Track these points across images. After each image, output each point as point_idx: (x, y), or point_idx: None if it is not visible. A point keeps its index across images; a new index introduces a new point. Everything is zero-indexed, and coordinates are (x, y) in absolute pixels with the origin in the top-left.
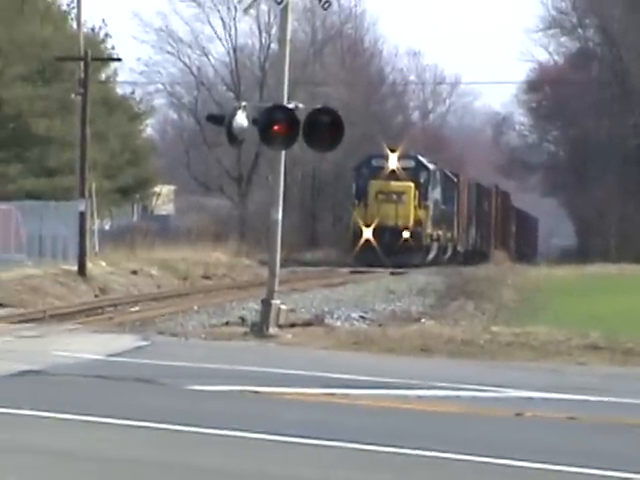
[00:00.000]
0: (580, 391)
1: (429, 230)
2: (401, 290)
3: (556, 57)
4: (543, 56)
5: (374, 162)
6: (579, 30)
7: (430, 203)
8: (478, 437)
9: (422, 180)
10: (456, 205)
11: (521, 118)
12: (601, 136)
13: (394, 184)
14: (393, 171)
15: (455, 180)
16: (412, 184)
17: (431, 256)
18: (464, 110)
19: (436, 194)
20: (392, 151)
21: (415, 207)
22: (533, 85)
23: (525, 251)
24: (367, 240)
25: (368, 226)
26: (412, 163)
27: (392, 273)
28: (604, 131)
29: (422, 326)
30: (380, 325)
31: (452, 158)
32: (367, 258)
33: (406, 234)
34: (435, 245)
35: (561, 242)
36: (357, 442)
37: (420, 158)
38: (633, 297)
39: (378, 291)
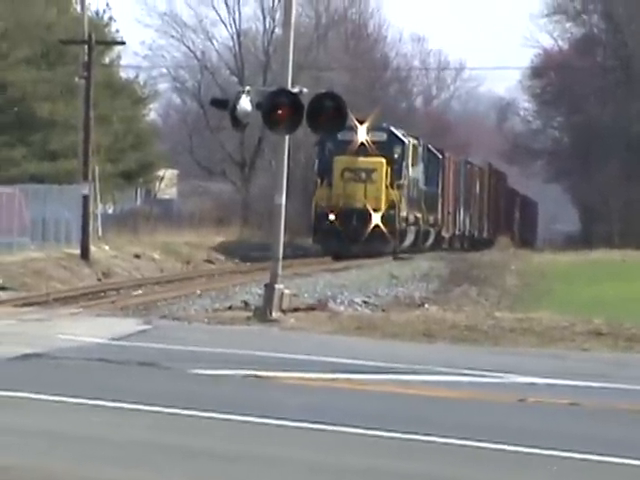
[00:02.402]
0: (583, 377)
1: (404, 213)
2: (404, 275)
3: (561, 43)
4: (548, 42)
5: (340, 135)
6: (584, 16)
7: (405, 181)
8: (481, 423)
9: (396, 155)
10: (440, 185)
11: (525, 104)
12: (605, 122)
13: (362, 160)
14: (362, 145)
15: (439, 157)
16: (383, 160)
17: (407, 243)
18: (468, 96)
19: (414, 172)
20: (361, 123)
21: (387, 186)
22: (537, 71)
23: (524, 236)
24: (331, 224)
25: (332, 209)
26: (384, 136)
27: (395, 258)
28: (608, 117)
29: (425, 311)
30: (383, 310)
31: (456, 144)
32: (331, 245)
33: (376, 218)
34: (412, 230)
35: (565, 228)
36: (359, 427)
37: (394, 130)
38: (637, 283)
39: (381, 276)
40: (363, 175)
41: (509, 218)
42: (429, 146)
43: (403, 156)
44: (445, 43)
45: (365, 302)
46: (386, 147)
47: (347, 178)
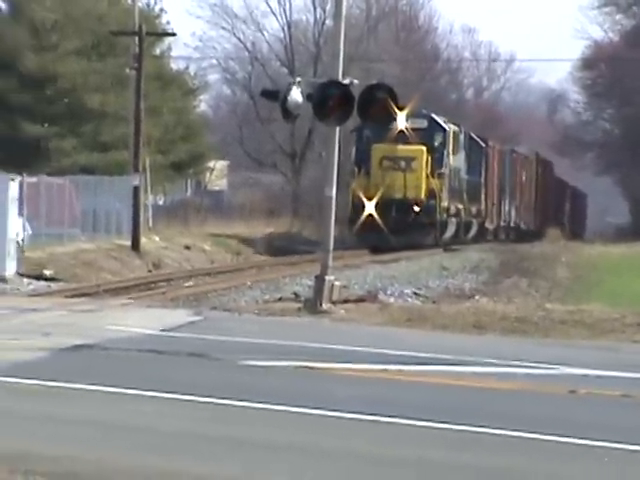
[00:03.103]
0: (634, 369)
1: (445, 203)
2: (454, 267)
3: (611, 35)
4: (598, 34)
5: None
6: (634, 8)
7: (446, 170)
8: (532, 414)
9: (437, 143)
10: (484, 174)
11: (576, 96)
12: None
13: (402, 148)
14: (401, 132)
15: (483, 145)
16: (424, 148)
17: (449, 234)
18: (518, 87)
19: (456, 160)
20: (400, 109)
21: (427, 175)
22: (588, 63)
23: (573, 228)
24: (369, 216)
25: (371, 199)
26: (424, 123)
27: (445, 250)
28: None
29: (476, 303)
30: (434, 302)
31: (507, 135)
32: (370, 238)
33: (416, 208)
34: (453, 221)
35: (615, 220)
36: (411, 418)
37: (435, 117)
38: None
39: (431, 268)
40: (402, 164)
41: (558, 209)
42: (471, 134)
43: (444, 144)
44: (496, 35)
45: (415, 293)
46: (426, 134)
47: (386, 167)
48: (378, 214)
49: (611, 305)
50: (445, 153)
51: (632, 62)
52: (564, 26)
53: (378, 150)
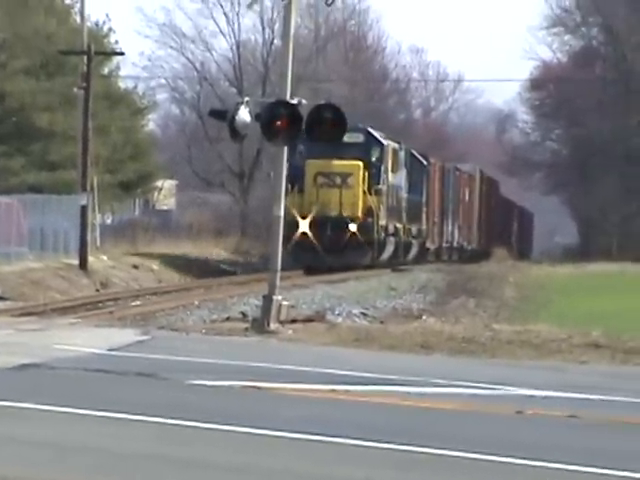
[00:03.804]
0: (581, 389)
1: (383, 222)
2: (402, 287)
3: (560, 55)
4: (547, 54)
5: None
6: (583, 29)
7: (384, 187)
8: (479, 435)
9: (374, 158)
10: (425, 193)
11: (524, 116)
12: (604, 135)
13: (337, 163)
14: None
15: (424, 163)
16: (360, 163)
17: (386, 255)
18: (467, 108)
19: (395, 178)
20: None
21: (364, 192)
22: (536, 83)
23: (520, 248)
24: (303, 235)
25: (305, 217)
26: (361, 137)
27: (393, 270)
28: (607, 130)
29: (423, 323)
30: (381, 322)
31: (454, 155)
32: (304, 257)
33: (353, 227)
34: (392, 240)
35: (563, 240)
36: (358, 438)
37: (371, 131)
38: (635, 296)
39: (379, 288)
40: (338, 180)
41: (505, 229)
42: (412, 151)
43: (382, 159)
44: (444, 55)
45: (363, 314)
46: (363, 149)
47: (321, 183)
48: (313, 233)
49: (558, 325)
50: (383, 169)
51: (580, 83)
52: (512, 47)
53: (312, 166)
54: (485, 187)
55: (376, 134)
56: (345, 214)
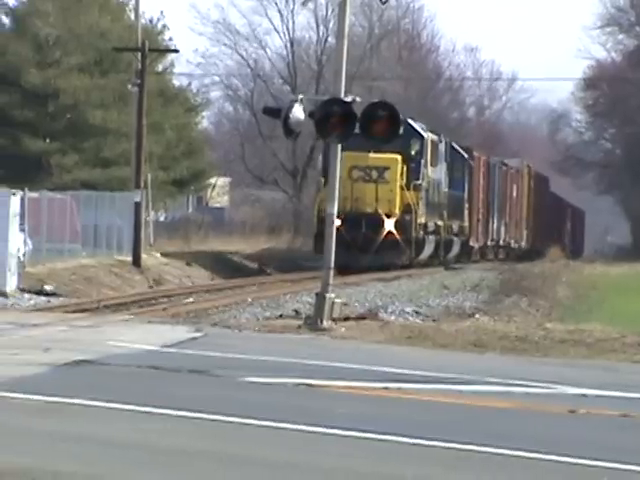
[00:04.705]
0: (634, 389)
1: (422, 219)
2: (455, 286)
3: (613, 54)
4: (601, 53)
5: None
6: (637, 28)
7: (424, 182)
8: (531, 433)
9: (413, 152)
10: (467, 188)
11: (577, 115)
12: None
13: (374, 156)
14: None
15: (466, 156)
16: (399, 156)
17: (425, 254)
18: (520, 107)
19: (436, 172)
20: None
21: (402, 188)
22: (590, 82)
23: (572, 247)
24: (336, 232)
25: (338, 214)
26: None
27: (446, 268)
28: None
29: (476, 322)
30: (434, 320)
31: (508, 154)
32: (336, 256)
33: (389, 224)
34: (431, 239)
35: (616, 240)
36: (410, 436)
37: (411, 122)
38: None
39: (432, 286)
40: (374, 174)
41: (557, 227)
42: (453, 144)
43: (422, 153)
44: (498, 54)
45: (416, 312)
46: (402, 142)
47: (356, 177)
48: (346, 230)
49: (611, 325)
50: (422, 163)
51: (634, 82)
52: (566, 46)
53: (347, 158)
54: (534, 183)
55: (416, 125)
56: (381, 211)
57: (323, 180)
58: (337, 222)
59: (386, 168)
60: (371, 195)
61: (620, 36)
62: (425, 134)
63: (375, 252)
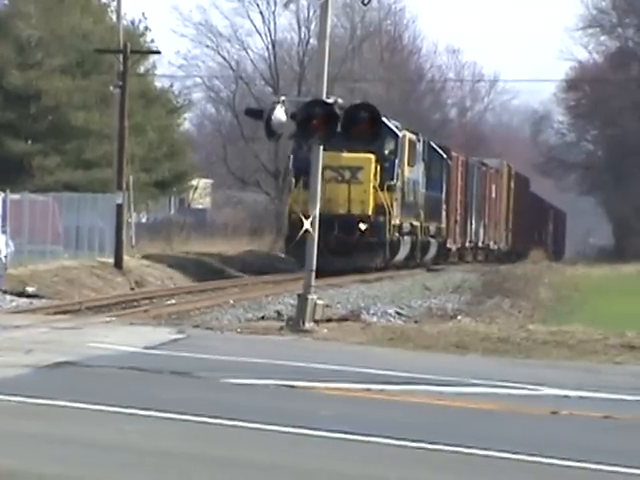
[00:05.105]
0: (616, 390)
1: (397, 220)
2: (437, 287)
3: (595, 56)
4: (583, 55)
5: None
6: (619, 29)
7: (398, 183)
8: (513, 435)
9: (387, 151)
10: (445, 188)
11: (559, 117)
12: None
13: (347, 156)
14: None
15: (444, 156)
16: (372, 156)
17: (401, 256)
18: (502, 108)
19: (412, 172)
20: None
21: (376, 188)
22: (572, 84)
23: (552, 248)
24: (307, 234)
25: (309, 215)
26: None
27: (428, 270)
28: None
29: (458, 323)
30: (416, 321)
31: (490, 156)
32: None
33: (362, 226)
34: (407, 241)
35: (598, 241)
36: (393, 438)
37: (385, 121)
38: None
39: (414, 288)
40: (347, 174)
41: (538, 229)
42: (431, 143)
43: (396, 152)
44: (480, 55)
45: (398, 313)
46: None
47: (328, 178)
48: (318, 232)
49: (593, 326)
50: (397, 162)
51: (616, 83)
52: (548, 47)
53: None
54: (514, 183)
55: (390, 124)
56: (354, 212)
57: (294, 181)
58: (307, 224)
59: (359, 168)
60: (344, 196)
61: (602, 37)
62: (400, 133)
63: (348, 254)
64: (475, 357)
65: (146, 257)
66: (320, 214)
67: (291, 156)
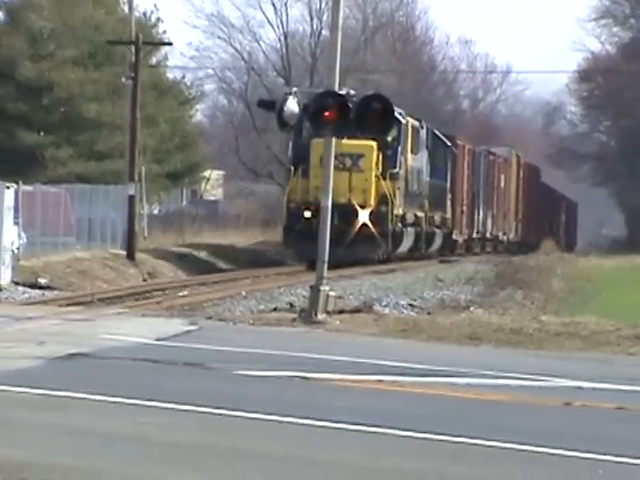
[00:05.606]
0: (629, 381)
1: (400, 210)
2: (450, 278)
3: (608, 47)
4: (595, 46)
5: None
6: (632, 20)
7: (402, 171)
8: (526, 426)
9: (390, 138)
10: (450, 177)
11: (572, 108)
12: None
13: (347, 143)
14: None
15: (449, 144)
16: (374, 143)
17: (404, 247)
18: (515, 99)
19: (416, 160)
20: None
21: (378, 177)
22: (585, 75)
23: (566, 239)
24: (306, 224)
25: (308, 205)
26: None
27: (441, 261)
28: None
29: (471, 314)
30: (429, 313)
31: (502, 146)
32: (306, 250)
33: (363, 216)
34: (411, 232)
35: (611, 232)
36: (406, 429)
37: None
38: None
39: (427, 279)
40: (348, 162)
41: (549, 219)
42: (435, 131)
43: (399, 139)
44: (492, 47)
45: (411, 305)
46: None
47: None
48: (317, 222)
49: (606, 317)
50: (400, 150)
51: (628, 74)
52: (561, 38)
53: (318, 145)
54: (524, 173)
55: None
56: (355, 201)
57: (293, 169)
58: (307, 214)
59: (360, 156)
60: (344, 185)
61: (615, 28)
62: (403, 120)
63: (348, 246)
64: (488, 348)
65: (154, 251)
66: (319, 203)
67: (290, 144)
